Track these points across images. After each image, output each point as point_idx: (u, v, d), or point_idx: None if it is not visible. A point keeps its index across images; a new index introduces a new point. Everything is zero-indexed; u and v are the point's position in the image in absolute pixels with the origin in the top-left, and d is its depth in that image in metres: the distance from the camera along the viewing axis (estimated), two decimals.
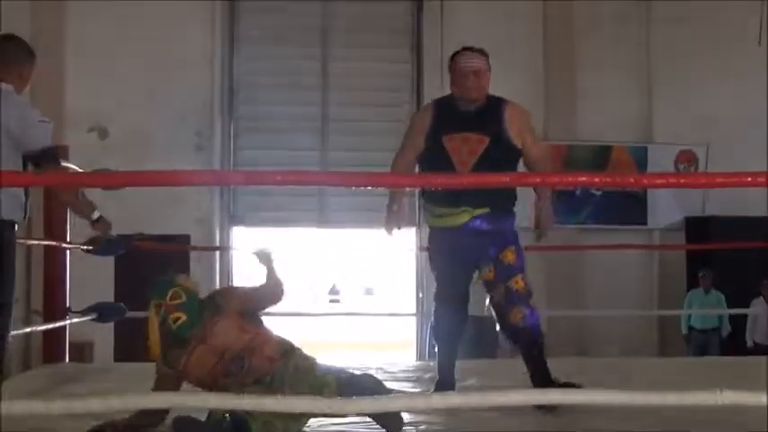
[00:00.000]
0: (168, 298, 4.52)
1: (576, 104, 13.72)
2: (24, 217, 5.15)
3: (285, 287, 4.95)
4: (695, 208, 13.75)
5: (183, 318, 4.48)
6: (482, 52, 6.01)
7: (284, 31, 13.80)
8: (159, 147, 12.83)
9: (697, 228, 13.60)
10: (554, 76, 13.71)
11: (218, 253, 13.47)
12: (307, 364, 4.50)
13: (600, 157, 13.68)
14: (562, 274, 13.35)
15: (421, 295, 13.72)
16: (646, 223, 13.80)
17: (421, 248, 13.39)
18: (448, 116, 5.90)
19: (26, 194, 5.12)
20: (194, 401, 3.68)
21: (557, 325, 13.16)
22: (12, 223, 5.00)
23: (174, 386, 4.59)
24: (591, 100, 13.66)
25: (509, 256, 5.81)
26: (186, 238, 13.04)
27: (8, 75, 5.14)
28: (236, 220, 13.75)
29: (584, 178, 4.29)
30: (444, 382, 5.87)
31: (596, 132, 13.72)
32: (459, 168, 5.67)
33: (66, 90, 13.21)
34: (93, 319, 7.01)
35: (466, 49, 6.02)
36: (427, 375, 6.99)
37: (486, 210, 5.75)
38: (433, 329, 6.20)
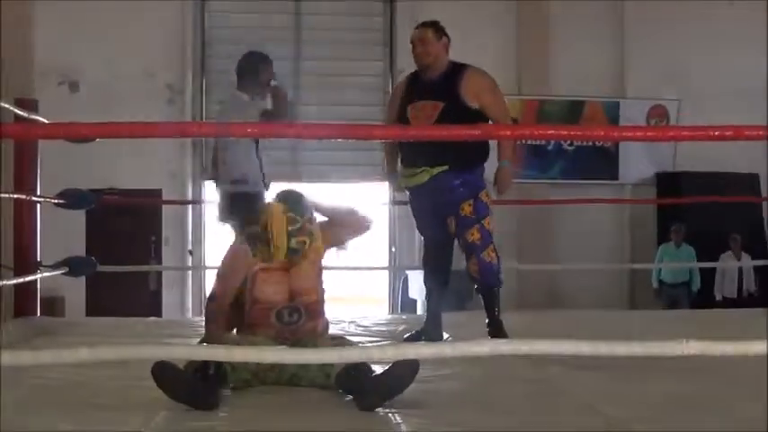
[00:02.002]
0: (303, 218, 4.76)
1: (548, 60, 13.70)
2: None
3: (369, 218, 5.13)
4: (666, 163, 13.81)
5: (306, 240, 4.74)
6: (428, 23, 6.43)
7: None
8: (130, 100, 12.73)
9: (667, 183, 13.67)
10: (526, 32, 13.67)
11: (190, 207, 13.44)
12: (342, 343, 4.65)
13: (573, 113, 13.69)
14: (534, 228, 13.41)
15: (393, 249, 13.75)
16: (617, 178, 13.86)
17: (393, 202, 13.44)
18: (414, 87, 6.34)
19: None
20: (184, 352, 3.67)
21: (528, 278, 13.24)
22: None
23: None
24: (563, 55, 13.63)
25: (466, 209, 6.15)
26: (158, 193, 13.00)
27: None
28: (208, 173, 13.68)
29: (552, 131, 4.24)
30: (427, 332, 6.40)
31: (569, 87, 13.72)
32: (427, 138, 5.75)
33: (35, 44, 13.09)
34: (64, 274, 6.98)
35: (416, 26, 6.47)
36: (400, 329, 7.04)
37: (444, 167, 6.08)
38: (424, 282, 6.66)
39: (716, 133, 3.39)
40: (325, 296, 4.97)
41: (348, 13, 13.80)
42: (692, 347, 2.74)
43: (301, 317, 4.57)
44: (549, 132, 5.21)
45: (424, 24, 6.45)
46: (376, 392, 4.08)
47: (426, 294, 6.75)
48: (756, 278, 13.11)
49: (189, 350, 3.54)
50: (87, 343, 4.11)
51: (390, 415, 3.96)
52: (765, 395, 3.99)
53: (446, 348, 3.01)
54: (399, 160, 6.42)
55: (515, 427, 3.81)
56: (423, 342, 6.21)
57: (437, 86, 6.22)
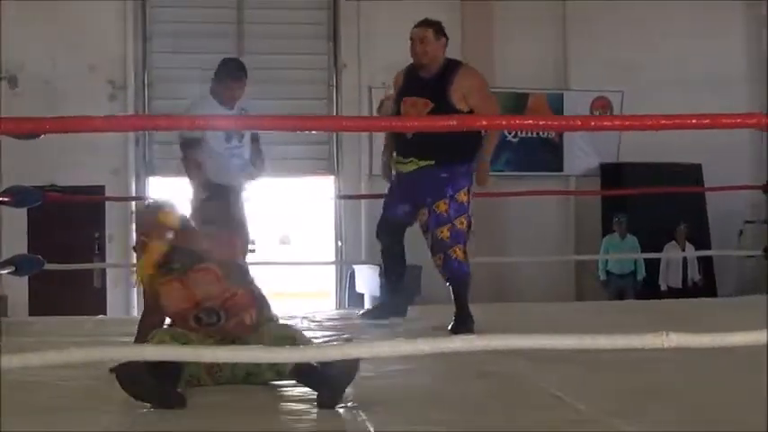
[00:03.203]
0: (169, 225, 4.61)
1: (493, 52, 13.69)
2: None
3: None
4: (610, 155, 13.87)
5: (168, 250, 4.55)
6: (429, 23, 6.67)
7: None
8: (72, 96, 12.55)
9: (612, 174, 13.74)
10: (471, 25, 13.65)
11: (133, 204, 13.26)
12: (286, 333, 4.46)
13: (517, 105, 13.68)
14: (481, 221, 13.35)
15: (340, 244, 13.68)
16: (562, 170, 13.90)
17: (339, 196, 13.39)
18: (410, 82, 6.63)
19: None
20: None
21: (476, 271, 13.19)
22: None
23: (160, 317, 4.65)
24: (508, 48, 13.65)
25: (441, 207, 6.41)
26: (101, 189, 12.82)
27: None
28: (152, 169, 13.54)
29: (529, 121, 4.19)
30: (389, 305, 7.02)
31: (513, 80, 13.71)
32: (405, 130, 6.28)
33: None
34: (10, 273, 6.83)
35: (416, 24, 6.71)
36: (351, 323, 7.01)
37: (430, 162, 6.37)
38: (381, 256, 7.05)
39: (662, 122, 3.38)
40: (265, 290, 4.84)
41: (291, 7, 13.69)
42: (673, 340, 2.71)
43: (220, 317, 4.44)
44: (527, 122, 5.22)
45: (425, 23, 6.69)
46: (333, 388, 4.01)
47: (384, 268, 7.07)
48: (700, 268, 13.23)
49: (160, 351, 3.43)
50: (35, 344, 4.01)
51: (354, 412, 3.90)
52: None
53: (421, 345, 2.93)
54: (394, 151, 6.71)
55: (487, 424, 3.76)
56: (386, 317, 6.83)
57: (430, 85, 6.49)
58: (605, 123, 3.53)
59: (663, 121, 3.33)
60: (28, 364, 3.08)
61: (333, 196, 13.66)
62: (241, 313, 4.42)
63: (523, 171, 13.61)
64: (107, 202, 13.07)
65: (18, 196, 6.92)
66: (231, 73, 7.03)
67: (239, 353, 3.62)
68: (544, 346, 2.90)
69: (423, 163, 6.42)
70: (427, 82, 6.53)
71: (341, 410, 3.96)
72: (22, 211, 10.93)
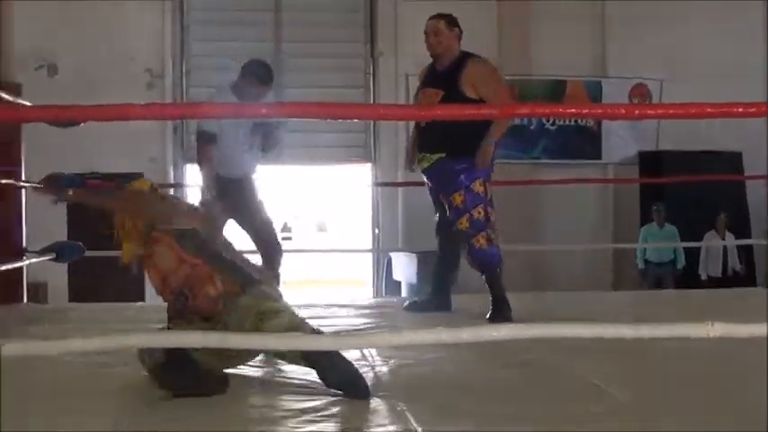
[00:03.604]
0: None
1: (530, 39, 13.61)
2: None
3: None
4: (648, 143, 13.77)
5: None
6: (441, 15, 6.92)
7: None
8: (110, 85, 12.60)
9: (650, 162, 13.63)
10: (507, 10, 13.58)
11: (171, 191, 13.32)
12: (270, 306, 4.27)
13: (555, 92, 13.61)
14: (518, 208, 13.33)
15: (377, 232, 13.67)
16: (600, 158, 13.81)
17: (376, 184, 13.38)
18: (428, 75, 6.86)
19: None
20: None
21: (513, 259, 13.18)
22: None
23: None
24: (545, 34, 13.56)
25: (457, 199, 6.56)
26: (140, 176, 12.85)
27: None
28: (189, 157, 13.59)
29: (546, 110, 4.15)
30: (434, 301, 7.05)
31: (551, 67, 13.65)
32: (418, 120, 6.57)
33: (11, 29, 12.90)
34: (51, 260, 6.89)
35: (429, 18, 6.96)
36: (390, 311, 7.03)
37: (441, 155, 6.56)
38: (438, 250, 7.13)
39: (708, 110, 3.33)
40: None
41: (328, 11, 13.67)
42: (718, 330, 2.69)
43: (187, 296, 4.35)
44: (540, 111, 5.18)
45: (438, 16, 6.90)
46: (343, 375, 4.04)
47: (436, 263, 7.18)
48: (741, 256, 13.12)
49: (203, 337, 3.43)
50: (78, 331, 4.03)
51: (393, 400, 3.89)
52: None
53: (463, 334, 2.92)
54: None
55: (525, 412, 3.75)
56: (432, 311, 6.89)
57: (443, 75, 6.67)
58: (637, 112, 3.46)
59: (708, 110, 3.28)
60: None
61: (370, 184, 13.64)
62: (206, 286, 4.27)
63: (562, 159, 13.54)
64: None
65: (57, 182, 6.97)
66: (259, 76, 6.89)
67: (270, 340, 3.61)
68: (582, 335, 2.86)
69: (435, 156, 6.59)
70: (441, 73, 6.71)
71: (379, 398, 3.96)
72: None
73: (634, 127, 13.54)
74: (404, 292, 12.26)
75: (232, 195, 6.80)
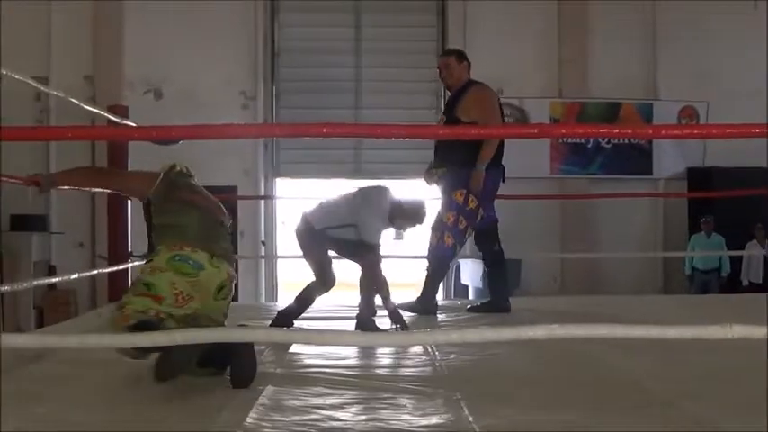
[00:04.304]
0: None
1: (587, 64, 13.56)
2: None
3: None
4: (696, 159, 13.61)
5: None
6: (450, 52, 7.46)
7: (321, 1, 13.71)
8: (209, 106, 12.81)
9: (698, 177, 13.47)
10: (567, 38, 13.55)
11: (262, 202, 13.49)
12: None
13: (609, 113, 13.54)
14: (575, 220, 13.31)
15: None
16: (651, 173, 13.67)
17: None
18: (447, 102, 7.33)
19: None
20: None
21: (570, 267, 13.16)
22: None
23: None
24: (602, 60, 13.50)
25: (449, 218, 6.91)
26: (234, 189, 13.06)
27: None
28: (279, 171, 13.75)
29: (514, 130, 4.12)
30: (494, 303, 7.13)
31: (606, 90, 13.57)
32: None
33: (124, 57, 13.21)
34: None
35: (440, 54, 7.63)
36: (454, 312, 7.06)
37: (443, 169, 6.94)
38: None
39: (756, 130, 3.32)
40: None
41: (403, 25, 13.73)
42: (737, 331, 2.69)
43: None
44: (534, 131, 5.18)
45: (448, 52, 7.46)
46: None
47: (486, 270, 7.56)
48: None
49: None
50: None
51: (450, 393, 3.91)
52: None
53: (506, 332, 2.96)
54: None
55: (572, 406, 3.76)
56: (490, 313, 6.93)
57: (449, 102, 7.13)
58: (677, 132, 3.45)
59: (756, 130, 3.27)
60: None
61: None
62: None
63: (616, 174, 13.43)
64: (239, 201, 13.28)
65: None
66: (419, 219, 6.45)
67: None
68: (615, 335, 2.88)
69: (440, 171, 6.96)
70: (449, 100, 7.17)
71: (437, 388, 3.99)
72: None
73: (683, 145, 13.40)
74: (471, 295, 12.27)
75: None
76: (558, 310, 7.07)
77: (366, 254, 5.99)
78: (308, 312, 6.16)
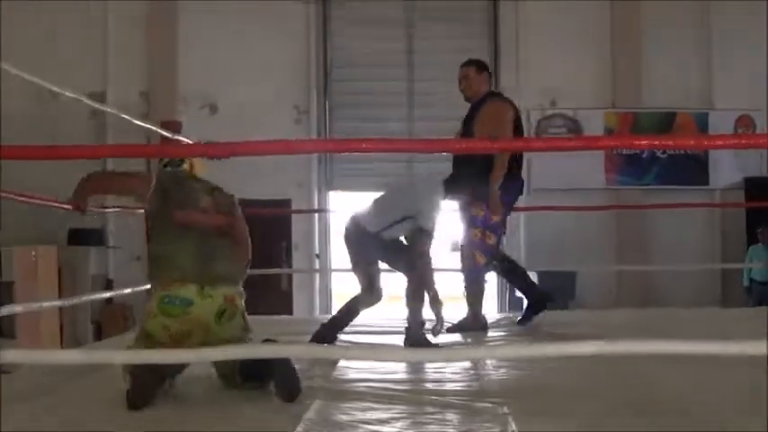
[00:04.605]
0: None
1: (641, 75, 13.46)
2: None
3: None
4: (753, 169, 13.43)
5: None
6: (470, 62, 7.15)
7: (372, 14, 13.76)
8: (262, 120, 12.92)
9: (755, 187, 13.25)
10: (621, 49, 13.46)
11: (316, 215, 13.55)
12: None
13: (665, 123, 13.42)
14: (631, 232, 13.20)
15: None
16: (708, 183, 13.51)
17: None
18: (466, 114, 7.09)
19: None
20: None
21: (626, 279, 13.03)
22: None
23: None
24: (656, 70, 13.39)
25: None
26: (288, 202, 13.14)
27: None
28: (332, 184, 13.80)
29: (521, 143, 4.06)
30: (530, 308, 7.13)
31: (661, 100, 13.45)
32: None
33: (179, 74, 13.36)
34: None
35: (461, 64, 7.18)
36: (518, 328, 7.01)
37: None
38: None
39: None
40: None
41: (454, 37, 13.71)
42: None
43: None
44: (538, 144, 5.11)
45: (468, 62, 7.15)
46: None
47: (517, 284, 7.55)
48: None
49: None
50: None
51: (495, 403, 3.90)
52: None
53: (548, 348, 2.94)
54: None
55: (617, 420, 3.72)
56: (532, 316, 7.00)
57: (468, 114, 6.98)
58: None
59: None
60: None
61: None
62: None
63: (671, 185, 13.29)
64: (293, 214, 13.34)
65: None
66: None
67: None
68: (666, 351, 2.84)
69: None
70: (468, 112, 6.98)
71: (485, 402, 3.97)
72: None
73: (740, 154, 13.22)
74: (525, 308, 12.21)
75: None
76: (613, 323, 6.98)
77: (417, 259, 5.97)
78: (356, 326, 6.15)
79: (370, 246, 6.02)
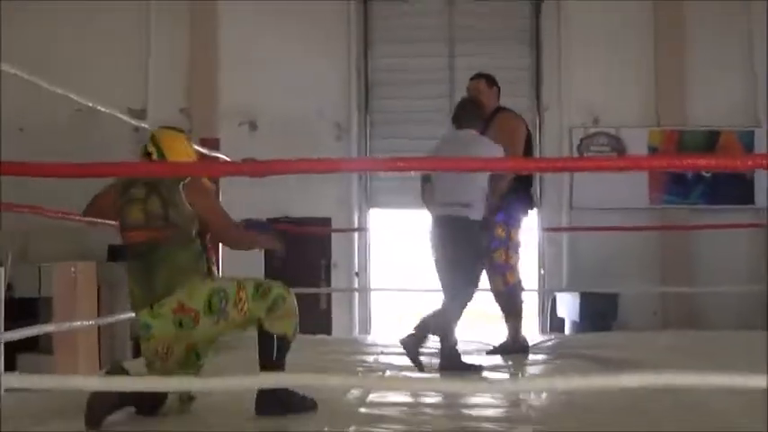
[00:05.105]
0: None
1: (685, 92, 13.26)
2: None
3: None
4: None
5: None
6: (481, 75, 7.37)
7: (413, 31, 13.69)
8: (303, 137, 12.90)
9: None
10: (664, 65, 13.28)
11: (356, 233, 13.47)
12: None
13: (709, 142, 13.21)
14: (676, 252, 12.99)
15: (542, 272, 13.45)
16: (753, 202, 13.26)
17: (543, 229, 13.18)
18: None
19: None
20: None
21: (671, 300, 12.82)
22: None
23: None
24: (700, 87, 13.19)
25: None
26: (327, 220, 13.08)
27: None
28: (372, 202, 13.72)
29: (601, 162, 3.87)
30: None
31: (705, 118, 13.24)
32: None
33: (219, 91, 13.38)
34: None
35: (471, 77, 7.34)
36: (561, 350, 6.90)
37: None
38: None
39: None
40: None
41: (497, 56, 13.55)
42: None
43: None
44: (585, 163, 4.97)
45: (478, 76, 7.32)
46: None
47: None
48: None
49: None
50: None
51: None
52: None
53: (596, 380, 2.81)
54: None
55: None
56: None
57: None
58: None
59: None
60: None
61: (536, 228, 13.43)
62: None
63: (716, 204, 13.06)
64: (332, 232, 13.28)
65: (251, 228, 7.11)
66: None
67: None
68: (714, 384, 2.71)
69: None
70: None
71: (527, 427, 3.87)
72: None
73: None
74: (567, 329, 12.07)
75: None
76: (657, 346, 6.82)
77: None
78: (391, 348, 6.06)
79: (477, 237, 5.87)
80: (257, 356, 4.34)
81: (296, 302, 4.45)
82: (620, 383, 2.77)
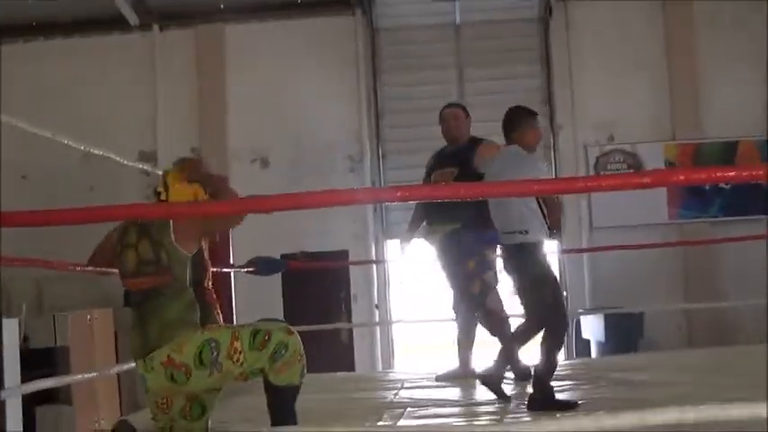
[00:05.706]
0: None
1: (699, 104, 13.08)
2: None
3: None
4: None
5: None
6: (458, 105, 7.71)
7: (420, 59, 13.60)
8: (316, 171, 12.81)
9: None
10: (678, 78, 13.11)
11: (374, 265, 13.29)
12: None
13: (727, 153, 13.01)
14: (698, 266, 12.77)
15: (565, 293, 13.21)
16: None
17: (563, 251, 12.97)
18: (440, 157, 7.22)
19: None
20: None
21: (696, 315, 12.59)
22: None
23: None
24: (714, 98, 13.01)
25: (470, 265, 6.78)
26: (345, 253, 12.91)
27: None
28: (389, 233, 13.56)
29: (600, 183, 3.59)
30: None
31: (722, 128, 13.04)
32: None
33: (229, 130, 13.31)
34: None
35: (447, 106, 7.48)
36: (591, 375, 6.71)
37: (456, 225, 6.82)
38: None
39: None
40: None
41: (508, 77, 13.46)
42: None
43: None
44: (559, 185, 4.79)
45: (455, 105, 7.62)
46: None
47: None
48: None
49: None
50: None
51: None
52: None
53: (627, 417, 2.63)
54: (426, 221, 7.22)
55: None
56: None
57: (456, 155, 6.97)
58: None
59: None
60: None
61: (557, 250, 13.23)
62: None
63: (736, 216, 12.83)
64: (351, 265, 13.13)
65: (262, 266, 7.00)
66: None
67: None
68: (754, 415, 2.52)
69: (448, 227, 6.84)
70: (454, 154, 7.02)
71: None
72: (276, 276, 11.03)
73: None
74: (593, 351, 11.84)
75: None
76: (687, 366, 6.60)
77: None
78: (418, 379, 5.87)
79: (543, 258, 5.63)
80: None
81: (300, 343, 4.24)
82: (658, 419, 2.58)
